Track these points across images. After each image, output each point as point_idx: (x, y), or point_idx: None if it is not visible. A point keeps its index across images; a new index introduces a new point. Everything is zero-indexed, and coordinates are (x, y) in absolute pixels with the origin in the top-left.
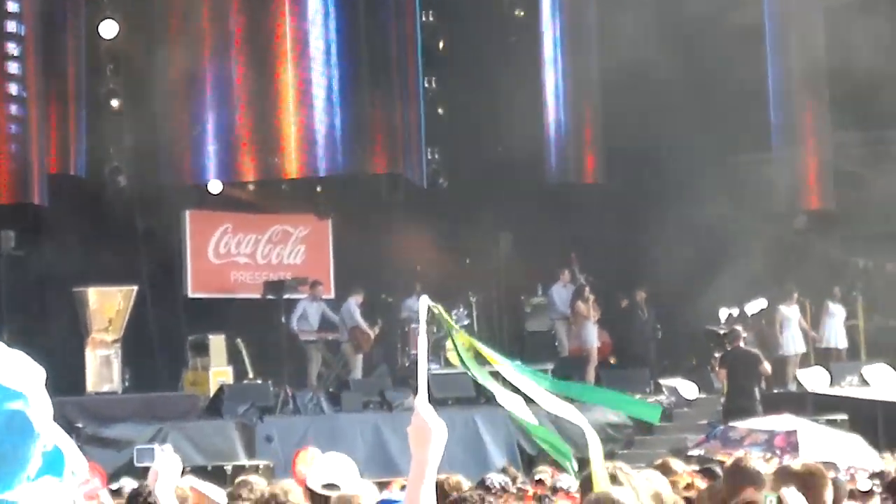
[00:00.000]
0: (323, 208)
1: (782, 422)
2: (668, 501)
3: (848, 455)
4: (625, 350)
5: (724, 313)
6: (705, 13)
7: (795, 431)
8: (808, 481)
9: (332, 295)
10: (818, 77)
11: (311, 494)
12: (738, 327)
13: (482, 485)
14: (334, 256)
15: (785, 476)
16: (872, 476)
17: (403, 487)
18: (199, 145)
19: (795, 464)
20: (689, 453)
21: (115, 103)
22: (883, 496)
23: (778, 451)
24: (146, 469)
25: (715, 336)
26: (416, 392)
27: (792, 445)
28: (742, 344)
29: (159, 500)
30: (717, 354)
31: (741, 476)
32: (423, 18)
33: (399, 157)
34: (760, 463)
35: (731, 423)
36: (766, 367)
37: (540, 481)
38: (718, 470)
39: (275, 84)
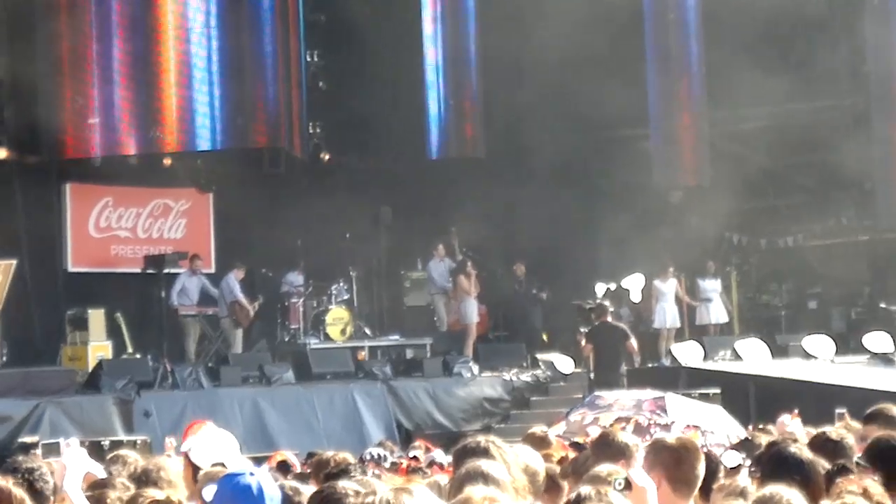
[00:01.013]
0: (204, 182)
1: (647, 392)
2: (539, 474)
3: (712, 422)
4: (503, 324)
5: (601, 288)
6: None
7: (663, 397)
8: (681, 455)
9: (212, 269)
10: (695, 54)
11: (195, 470)
12: (605, 302)
13: (361, 461)
14: (215, 231)
15: (659, 449)
16: (737, 447)
17: (282, 462)
18: (81, 119)
19: (669, 437)
20: (547, 431)
21: None
22: (751, 468)
23: (647, 414)
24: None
25: (582, 311)
26: (295, 367)
27: (661, 408)
28: (609, 319)
29: (69, 495)
30: (583, 329)
31: (609, 449)
32: None
33: (280, 131)
34: (628, 436)
35: (597, 393)
36: (633, 342)
37: (415, 457)
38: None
39: (155, 58)
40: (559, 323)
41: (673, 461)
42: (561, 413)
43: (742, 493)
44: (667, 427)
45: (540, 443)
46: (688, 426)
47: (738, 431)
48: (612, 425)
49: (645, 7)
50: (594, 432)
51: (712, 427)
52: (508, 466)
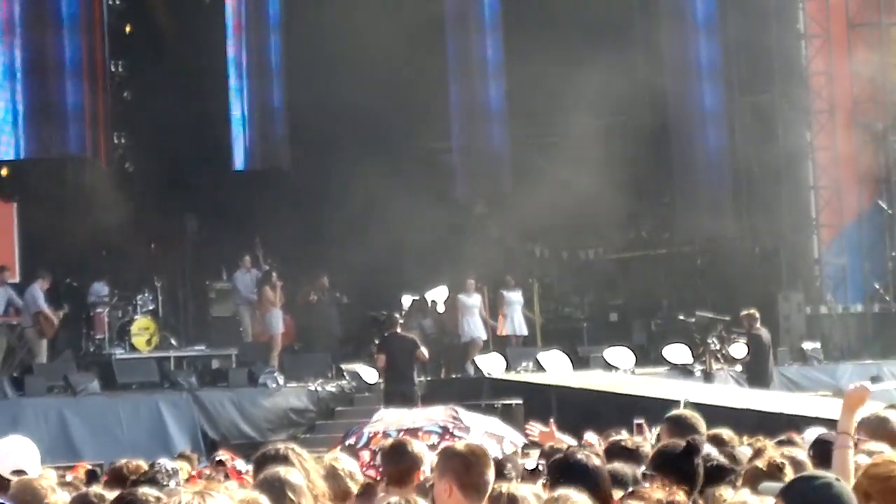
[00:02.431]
0: (8, 191)
1: (432, 409)
2: (341, 479)
3: (501, 431)
4: (307, 335)
5: (406, 299)
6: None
7: (454, 408)
8: (470, 461)
9: (17, 279)
10: (497, 67)
11: None
12: (396, 314)
13: (152, 468)
14: (19, 240)
15: (450, 455)
16: (541, 455)
17: (89, 472)
18: None
19: (459, 444)
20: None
21: None
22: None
23: (449, 426)
24: None
25: (374, 321)
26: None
27: (455, 418)
28: (398, 329)
29: None
30: (376, 340)
31: (401, 458)
32: (111, 2)
33: (85, 141)
34: (419, 444)
35: (382, 411)
36: (423, 351)
37: (221, 462)
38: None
39: None
40: (363, 334)
41: (463, 467)
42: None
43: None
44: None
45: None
46: (487, 433)
47: (516, 439)
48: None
49: (447, 16)
50: (366, 457)
51: (505, 435)
52: (307, 473)
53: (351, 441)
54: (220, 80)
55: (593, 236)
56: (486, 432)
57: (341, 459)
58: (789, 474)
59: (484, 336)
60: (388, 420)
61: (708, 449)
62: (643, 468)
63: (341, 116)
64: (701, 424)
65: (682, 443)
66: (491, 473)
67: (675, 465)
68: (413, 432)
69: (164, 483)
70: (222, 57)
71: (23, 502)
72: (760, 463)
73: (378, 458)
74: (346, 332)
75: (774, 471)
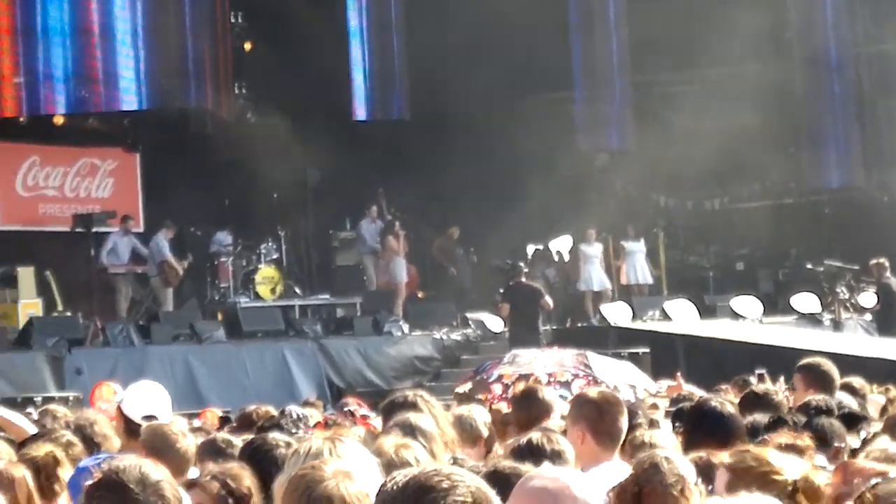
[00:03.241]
0: (131, 142)
1: (563, 351)
2: (469, 426)
3: (630, 378)
4: (432, 284)
5: (530, 249)
6: None
7: (584, 353)
8: (602, 408)
9: (141, 229)
10: (619, 19)
11: (127, 423)
12: (521, 263)
13: (281, 415)
14: (143, 190)
15: (583, 402)
16: (671, 403)
17: (222, 418)
18: (6, 78)
19: (592, 391)
20: (461, 389)
21: None
22: (675, 424)
23: (572, 371)
24: None
25: (499, 271)
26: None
27: (585, 365)
28: (523, 279)
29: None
30: (501, 289)
31: (531, 405)
32: None
33: (206, 92)
34: (550, 391)
35: (514, 351)
36: (548, 301)
37: (351, 412)
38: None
39: (80, 19)
40: (488, 284)
41: (596, 414)
42: (470, 372)
43: (647, 446)
44: (568, 384)
45: (465, 401)
46: (588, 382)
47: (648, 385)
48: (529, 381)
49: None
50: (497, 390)
51: (618, 382)
52: (436, 419)
53: (483, 376)
54: (340, 30)
55: (718, 186)
56: (617, 379)
57: (470, 407)
58: None
59: (608, 285)
60: (521, 361)
61: (840, 396)
62: (778, 414)
63: (462, 68)
64: (834, 373)
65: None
66: (624, 421)
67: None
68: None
69: (292, 430)
70: (341, 8)
71: (153, 447)
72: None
73: (510, 391)
74: (471, 282)
75: None
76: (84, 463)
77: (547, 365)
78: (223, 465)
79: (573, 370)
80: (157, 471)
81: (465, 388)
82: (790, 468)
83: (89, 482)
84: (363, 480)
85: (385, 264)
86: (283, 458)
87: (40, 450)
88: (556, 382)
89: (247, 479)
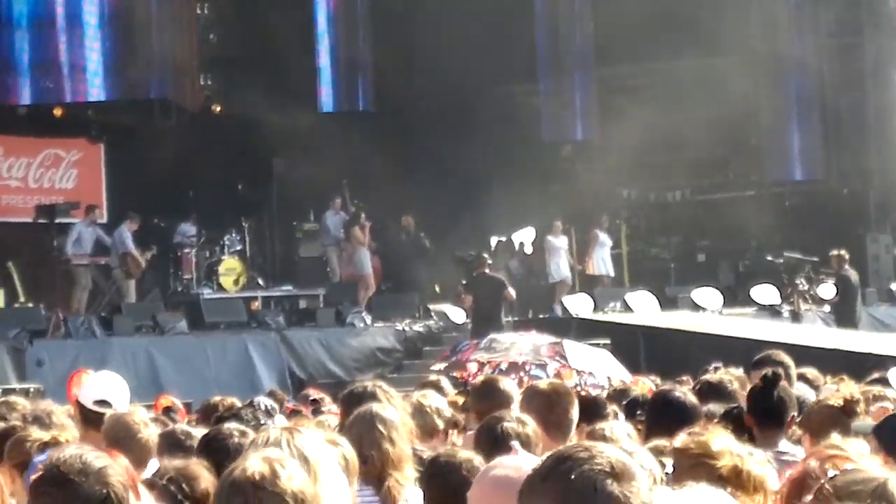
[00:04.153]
0: (95, 133)
1: (541, 337)
2: (428, 416)
3: (601, 367)
4: (395, 275)
5: (494, 240)
6: None
7: (560, 342)
8: (552, 399)
9: (104, 220)
10: (584, 10)
11: (83, 411)
12: (484, 254)
13: (249, 405)
14: (107, 181)
15: (533, 395)
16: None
17: (167, 409)
18: None
19: (541, 383)
20: (433, 368)
21: None
22: (637, 413)
23: (546, 360)
24: None
25: (461, 262)
26: (188, 316)
27: (559, 354)
28: (486, 270)
29: None
30: (463, 280)
31: (491, 395)
32: None
33: (171, 83)
34: (509, 383)
35: (492, 335)
36: (511, 292)
37: (314, 400)
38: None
39: (45, 6)
40: (449, 275)
41: (546, 406)
42: (445, 350)
43: (604, 439)
44: (543, 367)
45: (436, 389)
46: (563, 365)
47: (624, 376)
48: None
49: None
50: (472, 368)
51: (594, 369)
52: (396, 408)
53: (458, 357)
54: (306, 21)
55: (681, 178)
56: (592, 368)
57: (428, 396)
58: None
59: (570, 277)
60: (498, 347)
61: (798, 387)
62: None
63: (426, 59)
64: (790, 365)
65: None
66: (575, 412)
67: (758, 401)
68: (519, 368)
69: (260, 420)
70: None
71: (114, 437)
72: (834, 401)
73: (485, 369)
74: (429, 273)
75: (852, 407)
76: (36, 459)
77: (522, 353)
78: (181, 465)
79: (547, 359)
80: (99, 458)
81: (440, 366)
82: (728, 455)
83: (33, 477)
84: (296, 470)
85: (349, 256)
86: (237, 448)
87: None
88: (531, 364)
89: (204, 481)
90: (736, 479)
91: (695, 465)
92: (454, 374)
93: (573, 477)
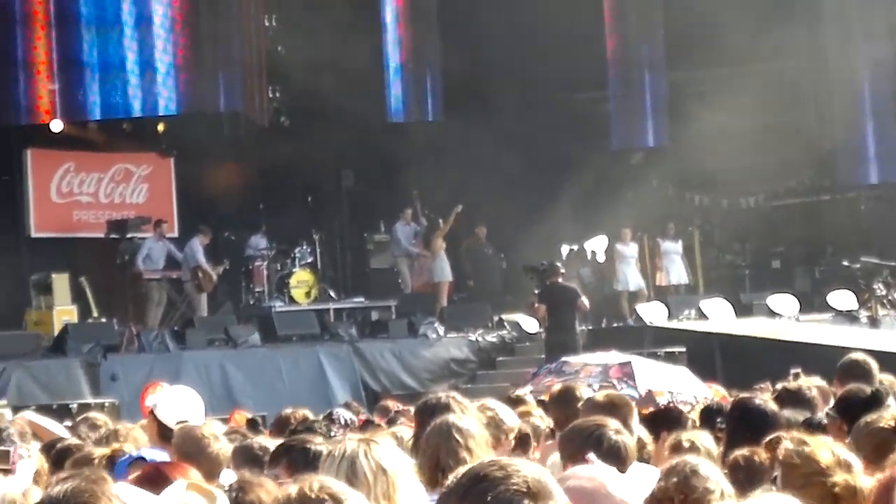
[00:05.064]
0: (165, 147)
1: (613, 356)
2: (504, 426)
3: (679, 385)
4: (467, 286)
5: (565, 249)
6: None
7: (630, 363)
8: (610, 411)
9: (175, 234)
10: (654, 16)
11: (160, 427)
12: (557, 263)
13: (328, 417)
14: (177, 195)
15: (591, 407)
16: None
17: (250, 420)
18: (41, 83)
19: (599, 395)
20: (518, 393)
21: None
22: (718, 422)
23: (614, 382)
24: None
25: (534, 271)
26: (260, 329)
27: (628, 375)
28: (559, 279)
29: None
30: (536, 290)
31: (568, 404)
32: None
33: (240, 96)
34: (587, 391)
35: (564, 359)
36: (584, 301)
37: (396, 412)
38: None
39: (115, 23)
40: (521, 284)
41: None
42: (527, 372)
43: (691, 450)
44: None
45: (515, 403)
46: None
47: (703, 392)
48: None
49: None
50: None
51: (679, 388)
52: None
53: (539, 380)
54: (373, 32)
55: (753, 184)
56: (661, 386)
57: (497, 409)
58: None
59: (641, 284)
60: (567, 370)
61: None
62: (812, 412)
63: (496, 67)
64: (874, 372)
65: (868, 390)
66: (634, 422)
67: (859, 412)
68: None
69: (330, 433)
70: (375, 8)
71: (184, 451)
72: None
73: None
74: (503, 283)
75: None
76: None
77: (592, 375)
78: (248, 477)
79: (615, 381)
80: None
81: (525, 390)
82: (837, 468)
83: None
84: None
85: (421, 266)
86: (316, 456)
87: None
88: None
89: (268, 494)
90: (852, 499)
91: (806, 485)
92: (542, 397)
93: (489, 498)
